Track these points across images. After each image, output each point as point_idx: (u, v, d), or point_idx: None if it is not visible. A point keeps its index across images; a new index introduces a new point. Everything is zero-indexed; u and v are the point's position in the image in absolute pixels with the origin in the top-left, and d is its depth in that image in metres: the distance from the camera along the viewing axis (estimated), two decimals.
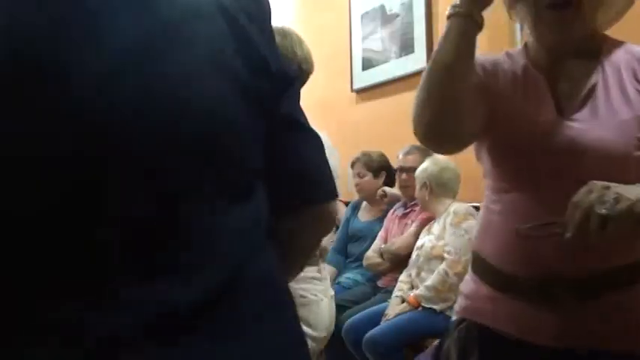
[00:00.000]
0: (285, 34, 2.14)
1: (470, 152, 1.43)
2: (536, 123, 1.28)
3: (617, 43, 1.35)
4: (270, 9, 0.86)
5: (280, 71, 0.82)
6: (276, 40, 0.87)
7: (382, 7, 4.25)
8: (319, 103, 5.29)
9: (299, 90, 0.88)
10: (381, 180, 3.83)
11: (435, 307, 2.93)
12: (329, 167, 0.91)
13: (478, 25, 1.23)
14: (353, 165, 3.87)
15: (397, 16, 4.09)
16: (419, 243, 3.18)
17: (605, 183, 1.12)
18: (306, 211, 0.89)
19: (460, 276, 2.88)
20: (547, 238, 1.22)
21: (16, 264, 0.64)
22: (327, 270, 2.90)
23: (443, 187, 3.18)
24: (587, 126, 1.26)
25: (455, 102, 1.23)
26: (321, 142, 0.92)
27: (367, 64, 4.45)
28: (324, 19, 5.20)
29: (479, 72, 1.33)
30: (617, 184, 1.13)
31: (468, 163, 1.54)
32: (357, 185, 3.83)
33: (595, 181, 1.13)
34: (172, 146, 0.68)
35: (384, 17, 4.23)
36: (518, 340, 1.28)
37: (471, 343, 1.34)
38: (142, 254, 0.67)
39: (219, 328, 0.70)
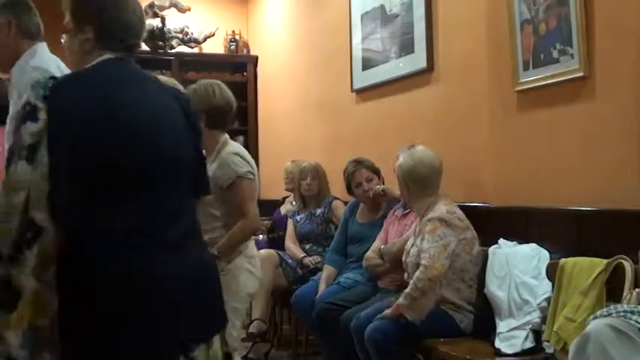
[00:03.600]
0: (196, 89, 2.77)
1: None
2: None
3: None
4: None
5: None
6: (191, 95, 2.14)
7: (382, 7, 4.25)
8: (319, 103, 5.29)
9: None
10: (381, 182, 3.82)
11: (409, 317, 2.87)
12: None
13: None
14: (354, 173, 3.79)
15: (397, 16, 4.09)
16: (407, 246, 3.14)
17: None
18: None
19: (434, 280, 2.86)
20: None
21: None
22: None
23: (420, 184, 3.11)
24: None
25: None
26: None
27: (367, 64, 4.45)
28: (324, 19, 5.20)
29: None
30: None
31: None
32: (367, 191, 3.76)
33: None
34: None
35: (384, 17, 4.23)
36: None
37: None
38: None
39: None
